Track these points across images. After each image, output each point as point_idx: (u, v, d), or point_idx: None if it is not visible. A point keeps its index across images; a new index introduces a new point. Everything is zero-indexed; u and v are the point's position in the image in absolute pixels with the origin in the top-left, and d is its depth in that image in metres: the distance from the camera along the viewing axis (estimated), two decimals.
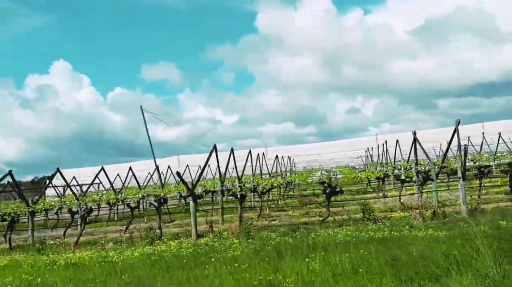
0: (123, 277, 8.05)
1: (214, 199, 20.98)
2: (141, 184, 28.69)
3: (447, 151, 13.68)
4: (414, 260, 6.67)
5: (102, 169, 20.97)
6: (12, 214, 13.53)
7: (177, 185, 23.86)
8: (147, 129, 18.64)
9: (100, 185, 28.93)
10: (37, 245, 14.20)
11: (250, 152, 18.87)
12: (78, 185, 30.91)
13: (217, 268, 7.76)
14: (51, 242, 14.70)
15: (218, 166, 14.71)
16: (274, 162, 24.67)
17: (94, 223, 19.99)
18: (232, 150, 16.31)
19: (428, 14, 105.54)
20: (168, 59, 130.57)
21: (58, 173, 17.00)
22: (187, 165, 29.63)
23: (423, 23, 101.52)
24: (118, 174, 30.34)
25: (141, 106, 18.49)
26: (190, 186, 12.54)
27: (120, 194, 18.77)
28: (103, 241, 14.15)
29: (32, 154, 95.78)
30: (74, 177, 28.62)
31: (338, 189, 12.24)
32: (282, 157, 27.79)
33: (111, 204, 18.35)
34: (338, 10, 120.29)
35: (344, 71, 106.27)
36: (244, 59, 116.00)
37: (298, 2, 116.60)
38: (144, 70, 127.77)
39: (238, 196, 12.25)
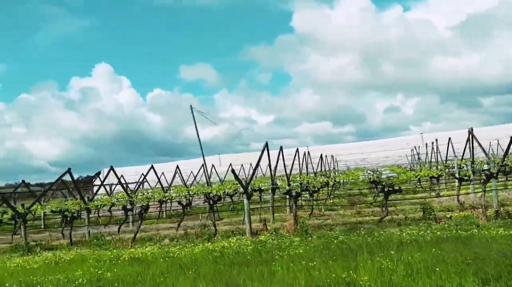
0: (190, 272, 8.15)
1: (261, 197, 21.00)
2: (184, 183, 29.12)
3: (508, 148, 13.13)
4: (496, 258, 6.43)
5: (152, 167, 21.41)
6: (73, 211, 14.00)
7: (221, 184, 24.07)
8: (196, 128, 18.96)
9: (145, 183, 29.62)
10: (95, 240, 14.63)
11: (297, 151, 18.80)
12: (125, 183, 31.61)
13: (284, 265, 7.75)
14: (107, 238, 15.10)
15: (269, 164, 14.69)
16: (319, 161, 24.48)
17: (143, 220, 20.36)
18: (281, 148, 16.26)
19: (470, 9, 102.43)
20: (205, 60, 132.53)
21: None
22: (230, 164, 29.76)
23: (465, 19, 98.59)
24: (163, 173, 30.86)
25: (191, 105, 18.83)
26: (244, 184, 12.59)
27: (168, 192, 19.13)
28: (158, 238, 14.44)
29: (75, 154, 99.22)
30: (121, 176, 29.27)
31: (397, 188, 11.99)
32: (326, 156, 27.58)
33: (161, 201, 18.67)
34: (377, 7, 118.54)
35: (383, 70, 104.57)
36: (280, 59, 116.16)
37: (334, 0, 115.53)
38: (182, 71, 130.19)
39: (293, 194, 12.21)
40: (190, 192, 14.78)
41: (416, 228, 10.37)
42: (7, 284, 8.22)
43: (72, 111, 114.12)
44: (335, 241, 9.33)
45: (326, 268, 7.13)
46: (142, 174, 31.99)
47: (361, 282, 6.22)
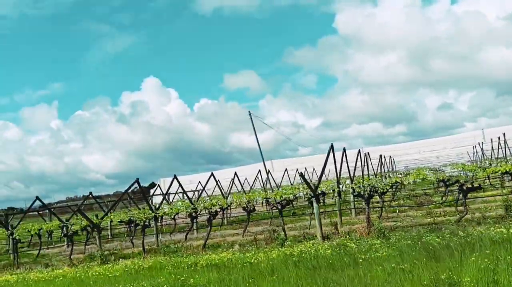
0: (273, 277, 8.08)
1: (324, 201, 20.71)
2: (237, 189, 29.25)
3: None
4: None
5: (212, 175, 21.65)
6: (145, 219, 14.35)
7: (277, 189, 23.97)
8: (256, 134, 19.00)
9: (203, 191, 29.95)
10: (165, 248, 14.92)
11: (359, 152, 18.43)
12: (183, 191, 32.19)
13: (372, 268, 7.54)
14: (175, 245, 15.35)
15: (335, 166, 14.44)
16: (378, 162, 23.92)
17: (206, 228, 20.57)
18: (344, 150, 15.98)
19: None
20: (248, 67, 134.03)
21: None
22: (286, 169, 29.69)
23: None
24: (218, 180, 31.10)
25: (249, 112, 19.15)
26: (310, 187, 12.43)
27: (227, 199, 19.26)
28: (226, 244, 14.53)
29: (129, 166, 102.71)
30: (180, 185, 29.82)
31: (477, 185, 11.44)
32: (384, 157, 26.90)
33: (223, 208, 18.79)
34: (423, 1, 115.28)
35: (432, 66, 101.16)
36: (324, 61, 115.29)
37: None
38: (226, 79, 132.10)
39: (365, 197, 11.94)
40: (255, 197, 14.76)
41: (502, 226, 9.82)
42: None
43: (124, 125, 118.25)
44: (419, 243, 8.98)
45: (420, 270, 6.85)
46: (199, 182, 32.51)
47: (464, 283, 5.92)
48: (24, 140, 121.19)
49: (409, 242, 9.15)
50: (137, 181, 15.50)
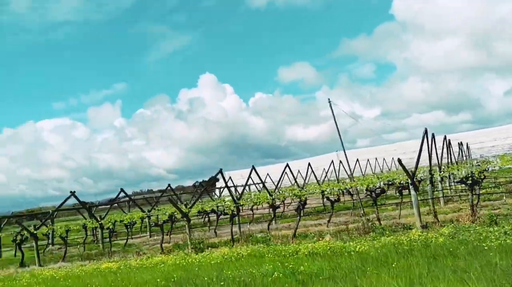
0: (393, 265, 7.81)
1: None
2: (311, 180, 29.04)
3: None
4: None
5: (287, 165, 21.59)
6: (232, 210, 14.49)
7: (347, 181, 23.49)
8: (336, 123, 18.69)
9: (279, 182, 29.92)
10: (253, 237, 14.98)
11: (445, 138, 17.67)
12: (261, 182, 32.38)
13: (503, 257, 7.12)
14: (265, 234, 15.32)
15: (429, 153, 13.85)
16: (459, 150, 22.89)
17: (284, 219, 20.58)
18: (433, 135, 15.34)
19: None
20: (303, 59, 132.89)
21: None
22: (357, 159, 29.07)
23: None
24: (286, 172, 31.04)
25: (329, 99, 18.64)
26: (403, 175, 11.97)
27: (303, 190, 19.08)
28: (311, 233, 14.35)
29: (187, 161, 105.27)
30: (258, 176, 29.99)
31: None
32: (462, 144, 25.72)
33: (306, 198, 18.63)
34: None
35: (498, 49, 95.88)
36: (381, 49, 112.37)
37: None
38: (281, 73, 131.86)
39: (469, 183, 11.35)
40: (346, 186, 14.48)
41: None
42: (213, 279, 8.55)
43: (182, 121, 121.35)
44: None
45: None
46: (268, 174, 32.60)
47: None
48: (91, 138, 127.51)
49: None
50: (220, 171, 15.66)
